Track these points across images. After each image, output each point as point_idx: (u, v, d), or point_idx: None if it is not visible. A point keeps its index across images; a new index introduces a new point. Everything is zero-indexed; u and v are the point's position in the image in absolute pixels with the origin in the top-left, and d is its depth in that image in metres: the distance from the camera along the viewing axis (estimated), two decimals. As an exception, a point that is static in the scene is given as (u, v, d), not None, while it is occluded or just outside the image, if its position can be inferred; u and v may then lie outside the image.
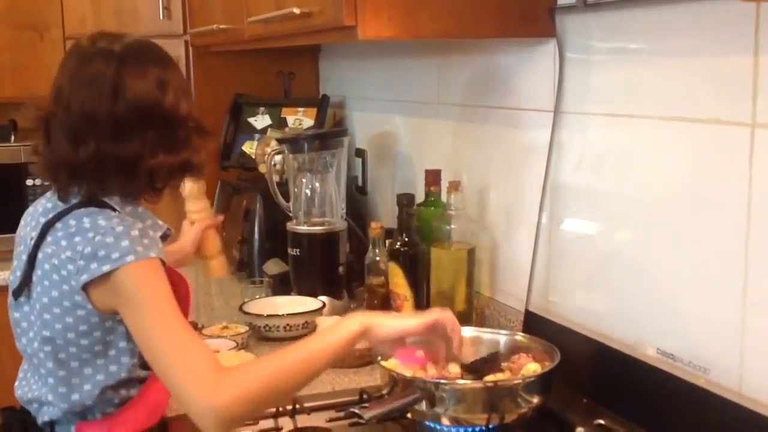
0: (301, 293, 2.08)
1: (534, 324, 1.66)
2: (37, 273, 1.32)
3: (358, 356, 1.74)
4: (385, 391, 1.43)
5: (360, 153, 2.50)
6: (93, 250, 1.24)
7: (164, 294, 1.25)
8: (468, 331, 1.56)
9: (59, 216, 1.32)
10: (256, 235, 2.41)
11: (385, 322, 1.32)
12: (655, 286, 1.41)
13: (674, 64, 1.36)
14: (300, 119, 2.68)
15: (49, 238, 1.31)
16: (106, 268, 1.23)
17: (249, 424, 1.43)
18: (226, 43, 2.39)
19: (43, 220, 1.34)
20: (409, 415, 1.36)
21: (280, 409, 1.46)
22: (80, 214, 1.29)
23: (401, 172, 2.38)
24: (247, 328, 1.91)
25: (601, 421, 1.39)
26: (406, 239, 1.81)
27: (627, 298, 1.47)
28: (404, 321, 1.38)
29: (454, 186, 1.81)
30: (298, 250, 2.06)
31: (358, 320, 1.29)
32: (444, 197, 1.90)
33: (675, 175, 1.37)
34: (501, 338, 1.54)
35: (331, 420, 1.43)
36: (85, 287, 1.26)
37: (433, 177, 1.92)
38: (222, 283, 2.49)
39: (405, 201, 1.80)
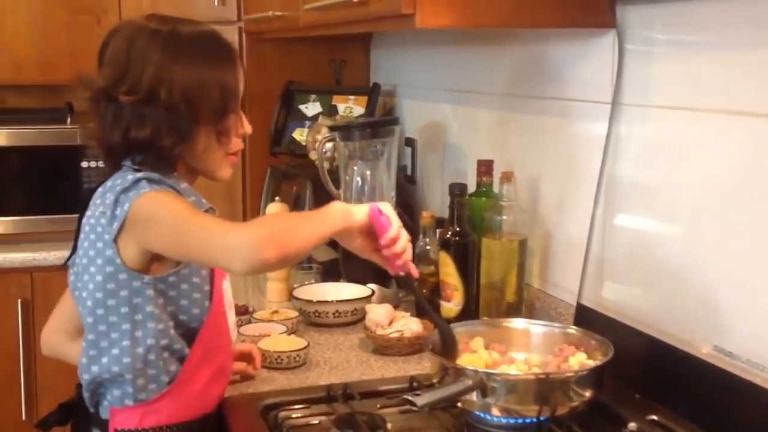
0: (350, 280, 2.09)
1: (586, 317, 1.65)
2: (80, 237, 1.37)
3: (408, 344, 1.75)
4: (435, 380, 1.43)
5: (410, 142, 2.50)
6: (115, 197, 1.28)
7: (183, 204, 1.29)
8: (520, 323, 1.56)
9: (101, 183, 1.37)
10: (305, 222, 2.42)
11: (358, 206, 1.35)
12: (712, 281, 1.39)
13: (740, 57, 1.33)
14: (351, 107, 2.69)
15: (91, 202, 1.37)
16: (126, 206, 1.27)
17: (298, 402, 1.45)
18: (280, 30, 2.40)
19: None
20: (459, 405, 1.36)
21: (331, 393, 1.48)
22: (116, 176, 1.34)
23: (451, 162, 2.37)
24: (297, 313, 1.93)
25: (654, 417, 1.38)
26: (458, 229, 1.80)
27: (683, 293, 1.45)
28: (364, 205, 1.37)
29: (507, 176, 1.80)
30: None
31: (341, 204, 1.36)
32: (496, 188, 1.90)
33: (739, 171, 1.34)
34: (554, 330, 1.53)
35: (382, 407, 1.43)
36: (116, 238, 1.29)
37: (485, 167, 1.91)
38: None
39: (457, 191, 1.79)
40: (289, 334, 1.81)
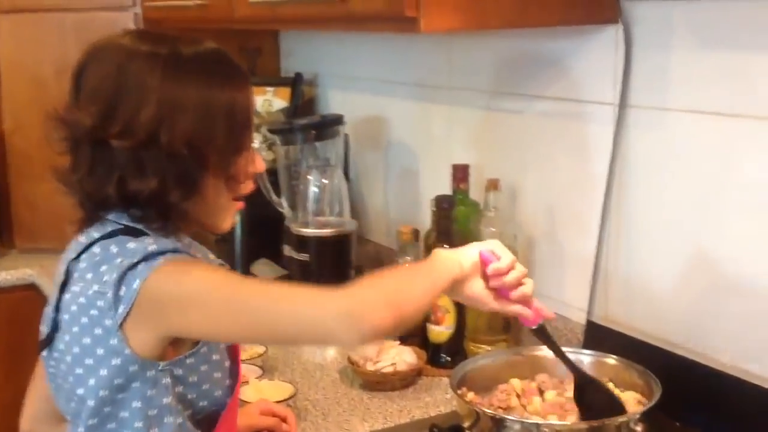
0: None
1: (598, 337, 1.54)
2: (64, 317, 1.09)
3: (401, 377, 1.58)
4: (466, 425, 1.28)
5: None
6: (120, 275, 1.01)
7: (212, 267, 1.08)
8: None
9: (86, 248, 1.09)
10: (239, 232, 2.19)
11: (465, 248, 1.18)
12: (754, 301, 1.31)
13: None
14: (269, 100, 2.45)
15: (75, 275, 1.09)
16: (136, 285, 1.00)
17: None
18: (198, 21, 2.12)
19: (72, 256, 1.10)
20: (505, 458, 1.22)
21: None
22: (107, 242, 1.07)
23: (396, 161, 2.20)
24: (264, 348, 1.71)
25: (707, 450, 1.29)
26: (446, 247, 1.64)
27: (719, 312, 1.37)
28: (473, 246, 1.19)
29: (493, 184, 1.65)
30: (306, 255, 1.86)
31: (448, 253, 1.16)
32: (471, 194, 1.75)
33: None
34: (584, 358, 1.40)
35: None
36: (122, 324, 1.02)
37: (461, 173, 1.75)
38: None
39: (445, 204, 1.63)
40: (267, 377, 1.59)
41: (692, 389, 1.36)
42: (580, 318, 1.61)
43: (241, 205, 1.15)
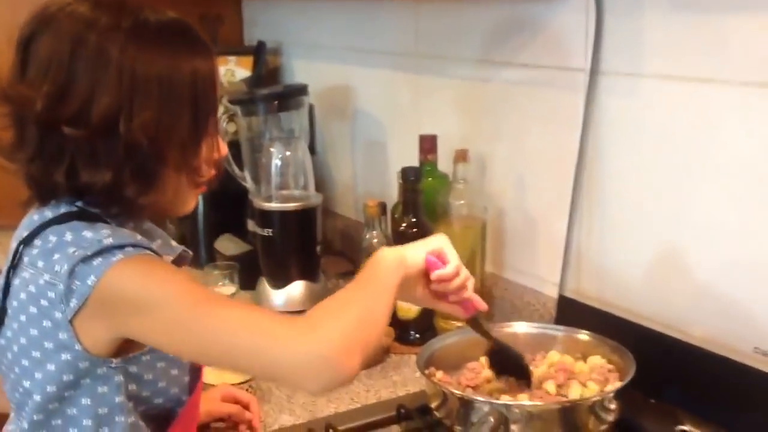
0: (273, 278, 1.82)
1: (571, 311, 1.49)
2: (13, 304, 1.01)
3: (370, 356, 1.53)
4: (434, 405, 1.24)
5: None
6: (72, 266, 0.93)
7: (176, 274, 0.97)
8: (521, 327, 1.38)
9: (39, 230, 1.00)
10: (201, 207, 2.12)
11: (410, 248, 1.10)
12: (732, 274, 1.27)
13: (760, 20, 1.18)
14: (232, 69, 2.37)
15: (25, 259, 1.00)
16: (91, 280, 0.92)
17: None
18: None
19: (23, 234, 1.03)
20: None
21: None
22: (62, 228, 0.98)
23: (363, 133, 2.13)
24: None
25: (684, 428, 1.25)
26: (414, 220, 1.58)
27: (695, 286, 1.32)
28: (423, 243, 1.13)
29: (462, 155, 1.60)
30: (270, 230, 1.79)
31: (391, 252, 1.08)
32: (440, 165, 1.70)
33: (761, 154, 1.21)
34: (555, 334, 1.36)
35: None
36: (73, 319, 0.94)
37: (429, 144, 1.69)
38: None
39: (412, 176, 1.56)
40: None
41: (667, 365, 1.32)
42: (552, 292, 1.57)
43: (203, 189, 1.07)
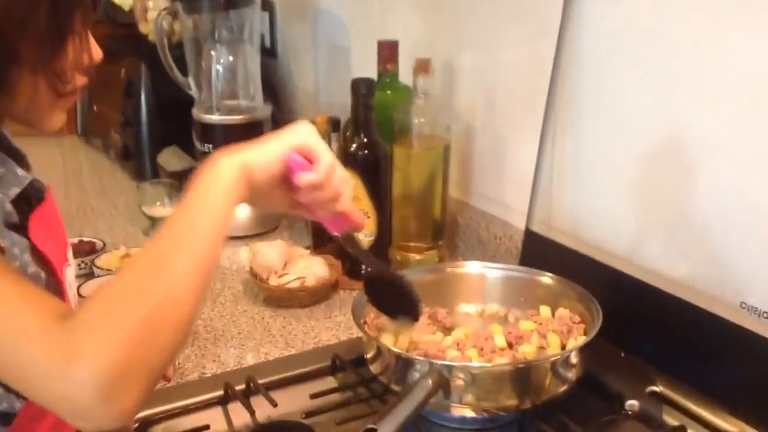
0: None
1: (537, 249, 1.32)
2: None
3: (312, 293, 1.36)
4: (369, 356, 1.07)
5: (266, 5, 2.00)
6: None
7: None
8: (475, 267, 1.21)
9: None
10: (144, 117, 1.92)
11: (259, 149, 0.83)
12: (718, 209, 1.08)
13: None
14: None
15: None
16: None
17: (186, 410, 1.05)
18: None
19: None
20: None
21: (230, 391, 1.08)
22: None
23: (326, 37, 1.91)
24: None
25: (655, 389, 1.09)
26: (365, 140, 1.39)
27: (676, 220, 1.14)
28: (279, 138, 0.86)
29: (423, 66, 1.39)
30: (210, 146, 1.60)
31: (228, 161, 0.79)
32: (401, 77, 1.49)
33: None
34: (516, 275, 1.19)
35: (308, 415, 1.05)
36: None
37: (388, 51, 1.48)
38: (107, 181, 2.02)
39: (363, 89, 1.36)
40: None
41: (641, 314, 1.15)
42: (520, 223, 1.38)
43: (72, 99, 0.87)
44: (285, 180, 0.85)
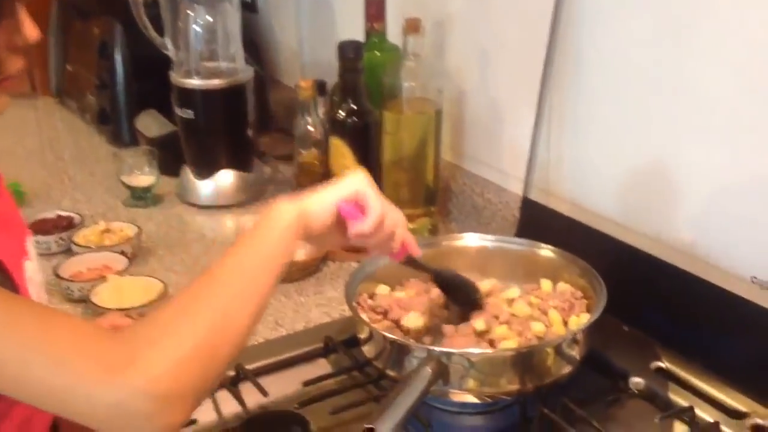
0: (198, 167, 1.58)
1: (535, 217, 1.27)
2: None
3: (301, 268, 1.31)
4: (362, 336, 1.03)
5: (246, -41, 1.91)
6: None
7: None
8: (472, 239, 1.16)
9: None
10: (120, 79, 1.84)
11: (315, 199, 0.87)
12: (754, 191, 1.02)
13: None
14: None
15: None
16: None
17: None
18: None
19: None
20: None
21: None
22: None
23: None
24: (136, 229, 1.42)
25: (660, 364, 1.05)
26: (354, 107, 1.32)
27: (681, 186, 1.09)
28: (334, 189, 0.89)
29: (413, 26, 1.31)
30: (191, 111, 1.53)
31: (288, 207, 0.83)
32: (391, 37, 1.42)
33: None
34: (515, 248, 1.13)
35: (301, 404, 1.01)
36: None
37: (375, 8, 1.41)
38: (84, 146, 1.94)
39: (351, 53, 1.28)
40: (130, 264, 1.31)
41: (647, 286, 1.11)
42: (517, 189, 1.33)
43: (9, 85, 0.79)
44: (341, 224, 0.88)
